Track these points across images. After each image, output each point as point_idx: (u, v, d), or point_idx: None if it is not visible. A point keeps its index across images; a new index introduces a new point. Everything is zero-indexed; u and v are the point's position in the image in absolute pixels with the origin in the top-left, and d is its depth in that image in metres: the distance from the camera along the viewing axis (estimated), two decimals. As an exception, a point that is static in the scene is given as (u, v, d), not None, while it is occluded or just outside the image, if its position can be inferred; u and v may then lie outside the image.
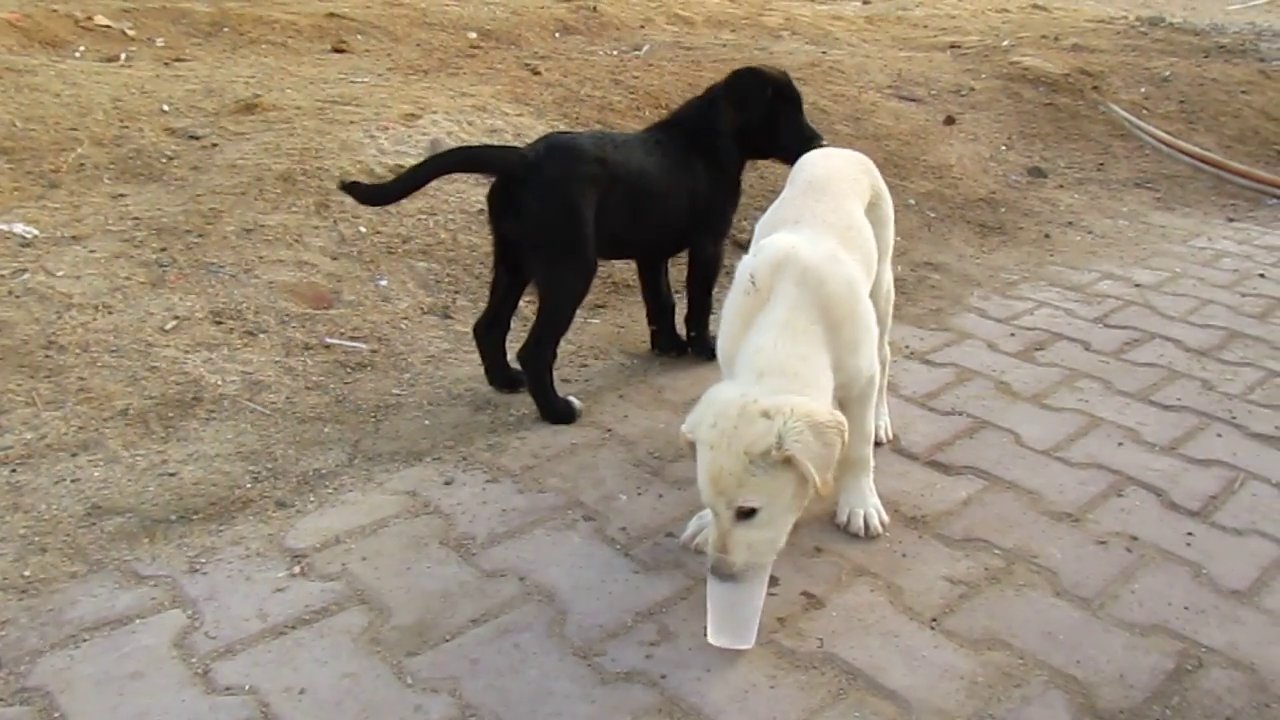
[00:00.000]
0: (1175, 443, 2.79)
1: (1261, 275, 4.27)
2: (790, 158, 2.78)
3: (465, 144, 3.05)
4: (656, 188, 2.96)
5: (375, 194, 2.86)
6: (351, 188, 2.74)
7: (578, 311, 2.86)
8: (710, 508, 1.96)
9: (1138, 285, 4.08)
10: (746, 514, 1.91)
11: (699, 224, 3.12)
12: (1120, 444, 2.77)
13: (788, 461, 1.88)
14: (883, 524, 2.34)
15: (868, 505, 2.34)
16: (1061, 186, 5.37)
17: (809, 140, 3.06)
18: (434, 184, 3.85)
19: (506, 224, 2.80)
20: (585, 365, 3.15)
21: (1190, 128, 6.23)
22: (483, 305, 2.94)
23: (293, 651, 1.91)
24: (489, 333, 2.90)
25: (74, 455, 2.43)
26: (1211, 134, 6.22)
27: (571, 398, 2.84)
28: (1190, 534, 2.37)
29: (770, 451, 1.86)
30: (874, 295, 2.40)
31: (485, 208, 2.94)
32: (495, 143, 4.14)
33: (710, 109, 3.13)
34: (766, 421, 1.88)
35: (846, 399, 2.20)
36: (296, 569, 2.13)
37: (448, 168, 2.91)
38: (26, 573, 2.08)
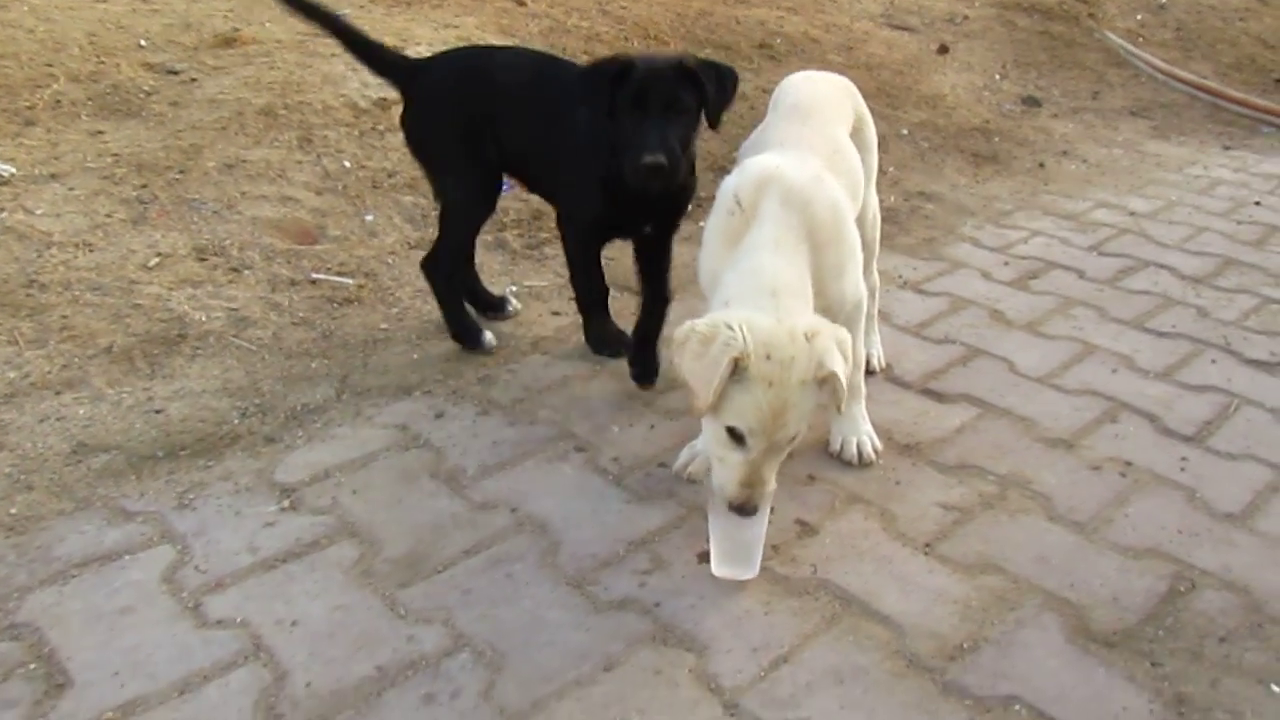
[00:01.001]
0: (1169, 369, 2.78)
1: (1257, 203, 4.23)
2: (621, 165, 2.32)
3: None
4: (532, 129, 2.57)
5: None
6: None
7: None
8: (752, 443, 1.86)
9: (1133, 213, 4.04)
10: (789, 441, 1.89)
11: (563, 185, 2.65)
12: (1114, 371, 2.76)
13: (825, 380, 1.86)
14: (876, 451, 2.32)
15: (860, 433, 2.33)
16: (1056, 115, 5.30)
17: (635, 152, 2.26)
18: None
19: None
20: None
21: (1187, 55, 6.14)
22: None
23: (284, 585, 1.89)
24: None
25: (58, 393, 2.40)
26: (1208, 61, 6.14)
27: (487, 333, 2.77)
28: (1184, 459, 2.37)
29: (819, 375, 1.84)
30: (860, 221, 2.37)
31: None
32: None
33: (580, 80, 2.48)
34: (809, 345, 1.85)
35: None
36: (286, 503, 2.12)
37: (339, 33, 2.72)
38: (13, 510, 2.06)
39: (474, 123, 2.58)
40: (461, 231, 2.74)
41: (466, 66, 2.65)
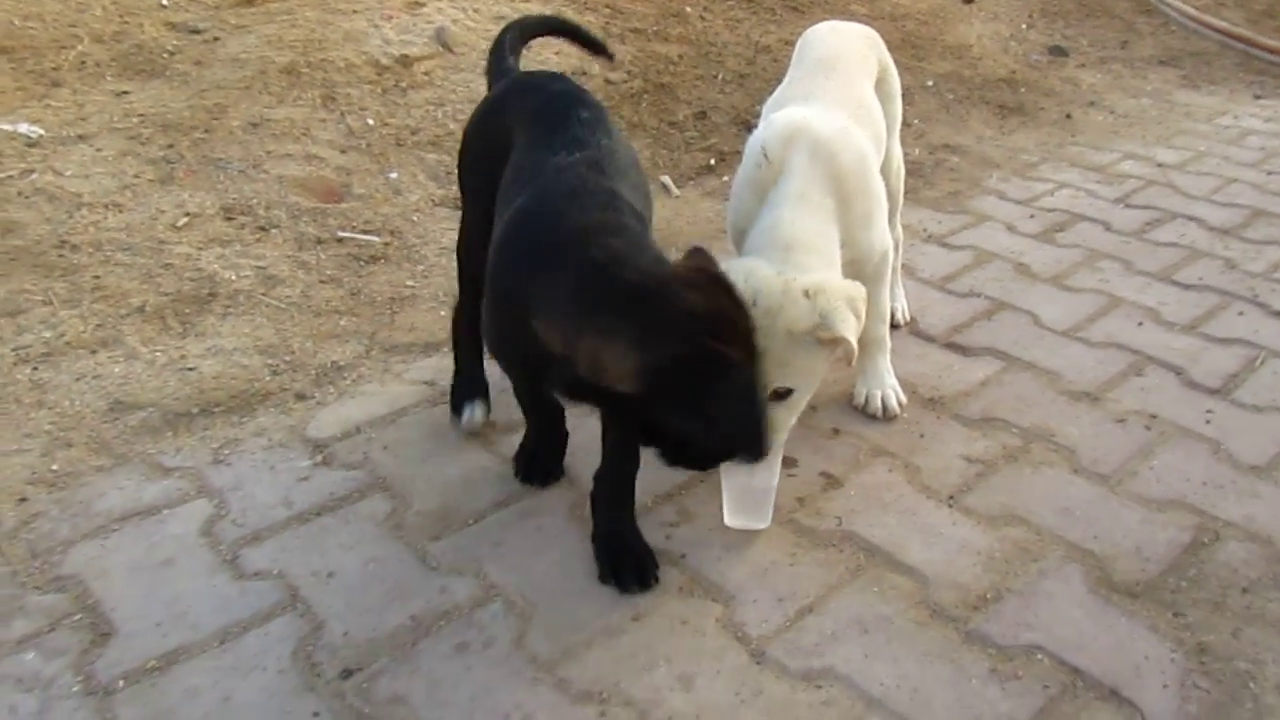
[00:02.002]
0: (1196, 322, 2.77)
1: (1288, 152, 4.17)
2: None
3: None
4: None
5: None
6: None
7: None
8: None
9: (1160, 165, 4.00)
10: (781, 395, 1.92)
11: None
12: (1140, 324, 2.75)
13: (832, 341, 1.87)
14: (900, 405, 2.34)
15: (885, 386, 2.34)
16: (1083, 65, 5.23)
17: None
18: (440, 71, 3.80)
19: None
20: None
21: (1218, 2, 6.02)
22: None
23: (319, 537, 1.94)
24: None
25: (93, 352, 2.44)
26: (1240, 8, 6.02)
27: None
28: (1210, 411, 2.37)
29: (815, 331, 1.86)
30: (885, 171, 2.37)
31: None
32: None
33: None
34: (808, 301, 1.86)
35: (860, 277, 2.18)
36: (319, 458, 2.16)
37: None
38: (54, 467, 2.10)
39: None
40: (460, 273, 2.31)
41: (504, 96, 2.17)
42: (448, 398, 2.29)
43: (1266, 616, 1.78)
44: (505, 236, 1.72)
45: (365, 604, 1.78)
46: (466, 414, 2.23)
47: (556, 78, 2.11)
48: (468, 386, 2.25)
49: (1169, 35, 5.69)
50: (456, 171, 2.23)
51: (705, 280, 1.61)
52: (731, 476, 1.94)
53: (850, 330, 1.87)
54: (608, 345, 1.48)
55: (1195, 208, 3.57)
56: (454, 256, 2.24)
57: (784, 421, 1.96)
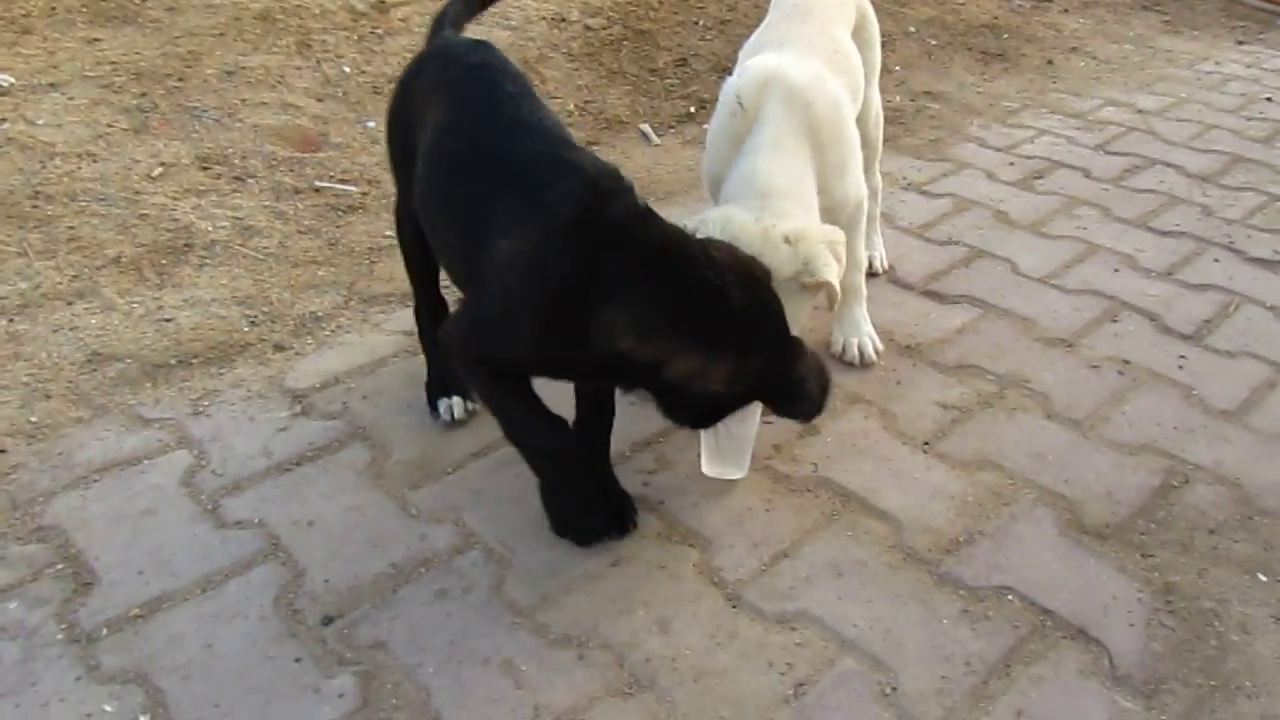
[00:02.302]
0: (1172, 268, 2.79)
1: (1269, 99, 4.18)
2: None
3: None
4: None
5: None
6: None
7: None
8: None
9: (1141, 111, 4.00)
10: None
11: None
12: (1116, 270, 2.77)
13: (815, 286, 1.88)
14: (877, 352, 2.35)
15: (862, 334, 2.36)
16: (1067, 11, 5.20)
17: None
18: (416, 17, 3.75)
19: None
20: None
21: (1203, -55, 5.98)
22: None
23: (299, 487, 1.95)
24: None
25: (70, 304, 2.43)
26: (1225, -48, 5.98)
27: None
28: (1183, 357, 2.39)
29: (798, 277, 1.86)
30: (863, 119, 2.36)
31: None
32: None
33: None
34: (789, 247, 1.86)
35: (835, 225, 2.18)
36: (298, 409, 2.16)
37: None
38: (33, 419, 2.10)
39: None
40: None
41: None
42: (419, 351, 2.28)
43: (1232, 557, 1.82)
44: (544, 243, 1.61)
45: (346, 552, 1.80)
46: (444, 409, 2.14)
47: (475, 47, 2.00)
48: (443, 382, 2.17)
49: (1153, -20, 5.66)
50: (387, 151, 2.14)
51: (756, 280, 1.68)
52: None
53: (833, 274, 1.88)
54: (714, 362, 1.59)
55: (1174, 154, 3.57)
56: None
57: None
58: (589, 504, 1.83)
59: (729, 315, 1.59)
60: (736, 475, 1.98)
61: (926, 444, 2.10)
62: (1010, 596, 1.73)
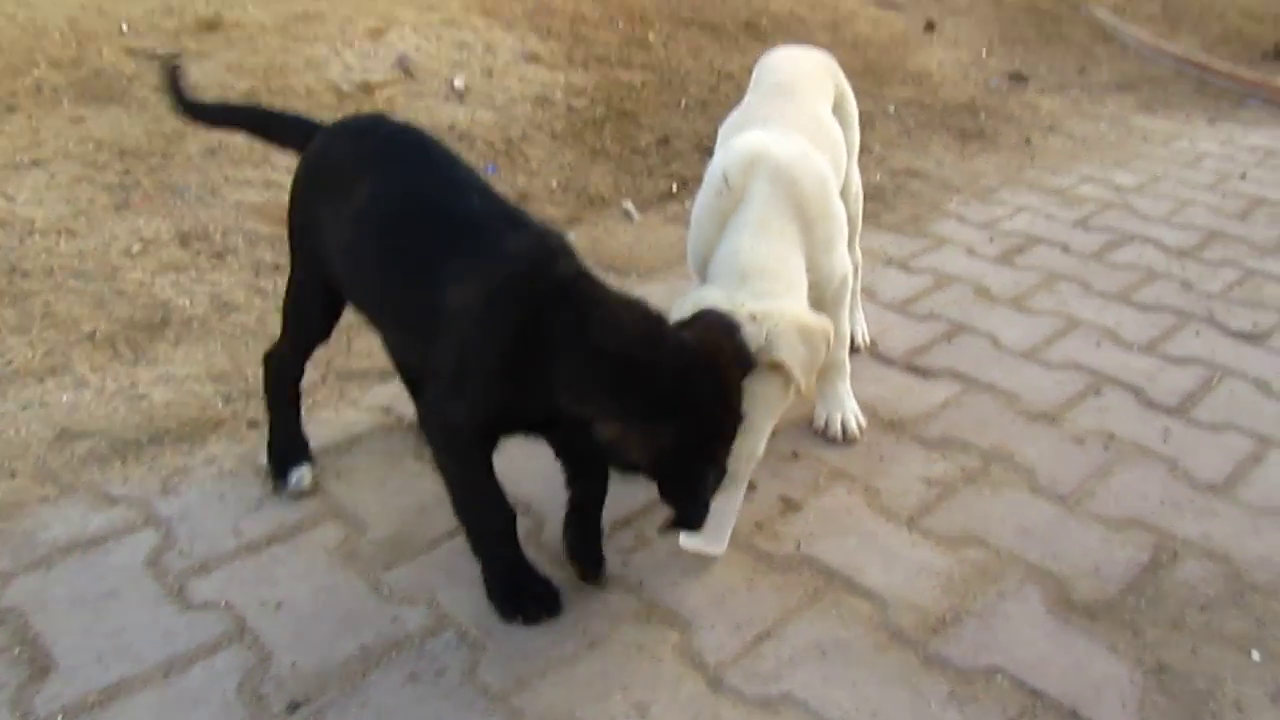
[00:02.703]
0: (1153, 342, 2.79)
1: (1242, 176, 4.24)
2: None
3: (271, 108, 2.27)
4: None
5: (186, 103, 2.16)
6: (172, 81, 2.14)
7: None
8: None
9: (1118, 188, 4.05)
10: None
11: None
12: (1098, 344, 2.77)
13: (774, 367, 1.86)
14: (860, 428, 2.33)
15: (845, 409, 2.33)
16: (1043, 91, 5.30)
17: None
18: (401, 98, 3.78)
19: None
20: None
21: (1173, 29, 6.14)
22: None
23: (268, 567, 1.90)
24: None
25: (41, 380, 2.39)
26: (1195, 35, 6.14)
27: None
28: (1167, 430, 2.38)
29: (760, 354, 1.84)
30: (844, 195, 2.37)
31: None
32: (460, 59, 4.05)
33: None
34: (755, 325, 1.85)
35: (821, 301, 2.17)
36: (270, 487, 2.11)
37: (250, 125, 2.20)
38: (-3, 497, 2.06)
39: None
40: (286, 324, 2.18)
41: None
42: (395, 428, 2.25)
43: (1225, 634, 1.78)
44: (498, 294, 1.64)
45: (315, 635, 1.74)
46: (294, 479, 2.08)
47: (381, 119, 2.02)
48: (290, 447, 2.12)
49: (1126, 62, 5.78)
50: (287, 229, 2.07)
51: (715, 365, 1.67)
52: None
53: (791, 356, 1.86)
54: (632, 431, 1.60)
55: (1152, 229, 3.61)
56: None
57: (742, 448, 1.93)
58: (530, 582, 1.81)
59: (653, 388, 1.58)
60: (715, 552, 1.93)
61: (911, 520, 2.06)
62: (999, 677, 1.68)
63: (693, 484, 1.67)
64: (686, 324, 1.78)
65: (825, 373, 2.30)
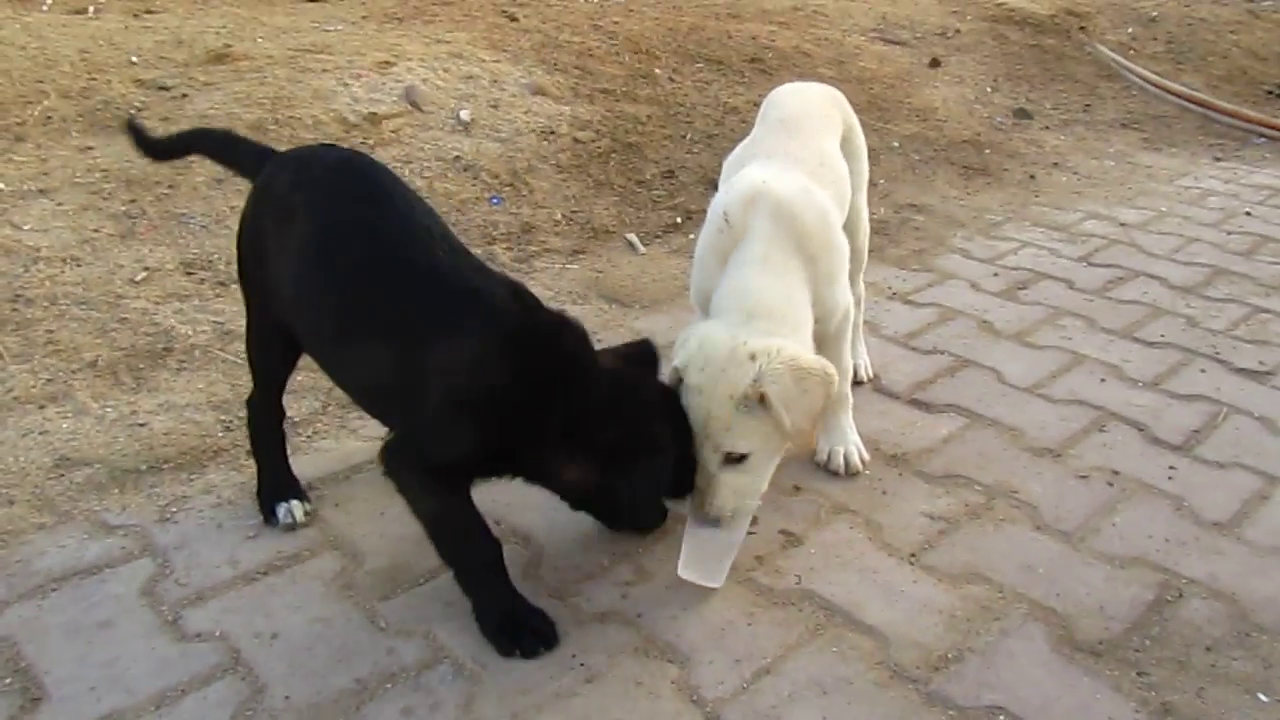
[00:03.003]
0: (1158, 378, 2.77)
1: (1247, 213, 4.23)
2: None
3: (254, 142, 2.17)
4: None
5: (149, 145, 2.19)
6: (134, 130, 2.16)
7: (556, 260, 2.68)
8: (698, 452, 1.94)
9: (1123, 224, 4.04)
10: (735, 459, 1.92)
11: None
12: (1103, 380, 2.75)
13: (763, 400, 1.86)
14: (863, 461, 2.32)
15: (848, 443, 2.32)
16: (1047, 128, 5.31)
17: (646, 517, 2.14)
18: (408, 129, 3.80)
19: None
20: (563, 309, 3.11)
21: (1178, 68, 6.16)
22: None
23: (264, 597, 1.88)
24: None
25: (42, 408, 2.39)
26: (1199, 74, 6.16)
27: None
28: (1172, 468, 2.36)
29: (753, 392, 1.86)
30: (851, 228, 2.38)
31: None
32: (467, 92, 4.07)
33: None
34: (752, 364, 1.87)
35: (824, 335, 2.17)
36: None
37: (207, 149, 2.22)
38: (-6, 525, 2.05)
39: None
40: (252, 365, 2.19)
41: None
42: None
43: (1231, 675, 1.75)
44: (490, 348, 1.74)
45: (310, 666, 1.72)
46: (283, 514, 2.07)
47: (329, 148, 2.04)
48: (278, 486, 2.11)
49: (1130, 99, 5.80)
50: (237, 270, 2.09)
51: (645, 399, 1.88)
52: (695, 533, 1.91)
53: (779, 394, 1.87)
54: (571, 462, 1.80)
55: (1157, 266, 3.60)
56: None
57: (744, 485, 1.95)
58: (525, 615, 1.80)
59: (594, 428, 1.76)
60: (713, 584, 1.91)
61: (913, 555, 2.04)
62: (1002, 717, 1.66)
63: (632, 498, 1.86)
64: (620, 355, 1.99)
65: (829, 405, 2.28)
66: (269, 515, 2.08)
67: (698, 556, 1.90)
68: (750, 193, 2.07)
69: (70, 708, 1.63)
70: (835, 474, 2.30)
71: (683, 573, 1.91)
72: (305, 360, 2.66)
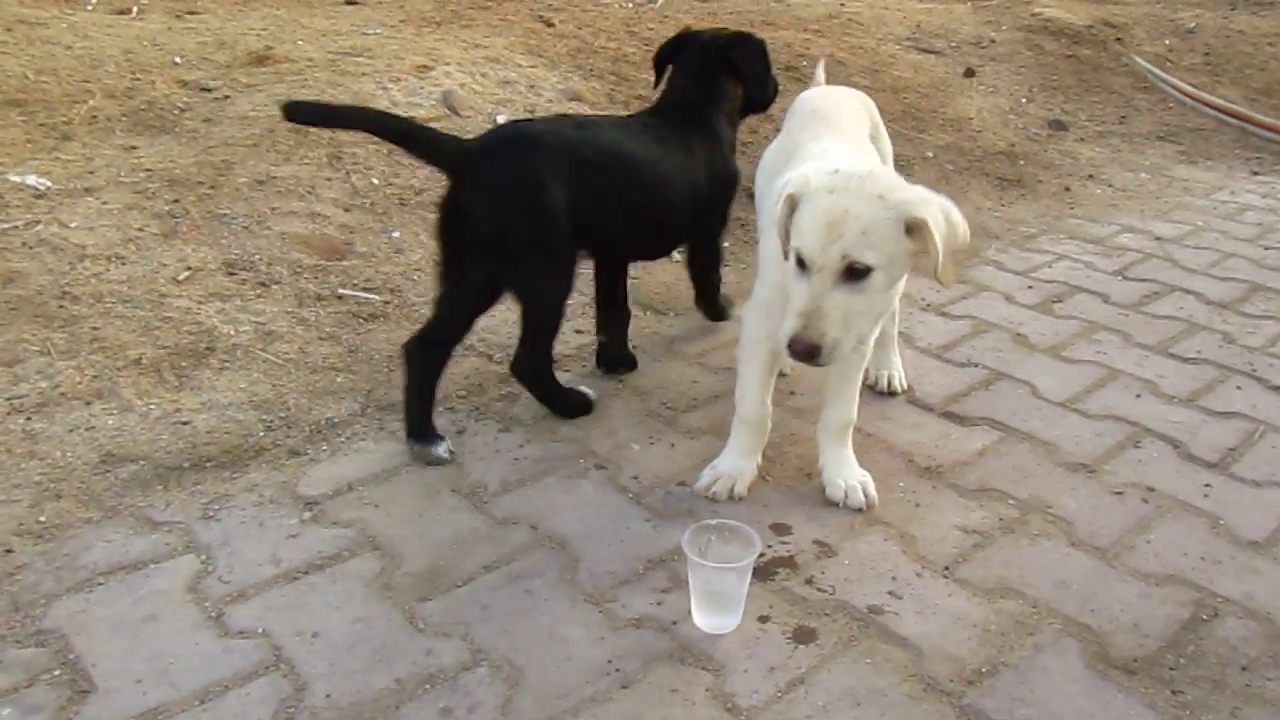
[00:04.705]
0: (1194, 395, 2.76)
1: (1286, 228, 4.20)
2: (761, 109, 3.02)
3: (405, 117, 2.55)
4: (647, 177, 2.54)
5: (303, 110, 2.46)
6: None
7: (590, 265, 2.76)
8: (811, 263, 1.83)
9: (1158, 238, 4.02)
10: (857, 274, 1.82)
11: (701, 219, 2.78)
12: (1138, 396, 2.74)
13: (914, 229, 1.82)
14: (866, 496, 2.23)
15: (856, 478, 2.25)
16: (1082, 140, 5.29)
17: (775, 90, 3.00)
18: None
19: (462, 231, 2.34)
20: (598, 317, 3.14)
21: (1215, 80, 6.11)
22: None
23: (305, 596, 1.91)
24: (422, 353, 2.39)
25: (88, 404, 2.43)
26: (1237, 86, 6.11)
27: (583, 387, 2.61)
28: (1208, 485, 2.35)
29: (903, 205, 1.81)
30: None
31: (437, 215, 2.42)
32: (504, 97, 4.11)
33: (711, 83, 2.78)
34: (888, 183, 1.86)
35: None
36: (309, 515, 2.14)
37: (373, 127, 2.42)
38: (42, 518, 2.09)
39: (569, 200, 2.34)
40: (556, 323, 2.47)
41: (541, 140, 2.36)
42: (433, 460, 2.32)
43: (1266, 696, 1.75)
44: None
45: (349, 665, 1.75)
46: (592, 393, 2.60)
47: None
48: (564, 394, 2.56)
49: (1167, 111, 5.76)
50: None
51: None
52: (698, 579, 1.85)
53: (934, 212, 1.83)
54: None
55: (1193, 281, 3.58)
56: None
57: (857, 308, 1.84)
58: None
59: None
60: (729, 627, 1.87)
61: (947, 568, 2.05)
62: (1035, 732, 1.66)
63: None
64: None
65: (835, 433, 2.26)
66: (435, 449, 2.35)
67: (709, 604, 1.86)
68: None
69: (117, 700, 1.66)
70: (856, 510, 2.22)
71: (699, 622, 1.87)
72: (343, 361, 2.71)
